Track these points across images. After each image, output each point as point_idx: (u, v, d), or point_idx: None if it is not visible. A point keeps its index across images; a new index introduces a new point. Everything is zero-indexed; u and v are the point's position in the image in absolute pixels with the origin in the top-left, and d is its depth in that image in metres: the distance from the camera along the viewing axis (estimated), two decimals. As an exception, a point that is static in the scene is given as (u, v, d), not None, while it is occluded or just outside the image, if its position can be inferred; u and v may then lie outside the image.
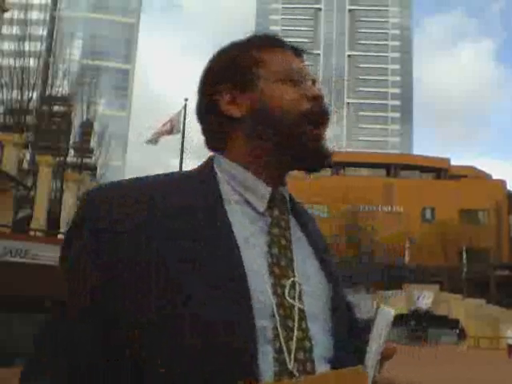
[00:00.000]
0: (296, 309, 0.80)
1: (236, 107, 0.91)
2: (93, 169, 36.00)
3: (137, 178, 0.88)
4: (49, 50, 37.91)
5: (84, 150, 36.02)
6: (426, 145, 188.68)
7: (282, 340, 0.77)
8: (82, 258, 0.80)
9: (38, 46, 33.39)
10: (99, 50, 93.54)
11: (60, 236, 20.81)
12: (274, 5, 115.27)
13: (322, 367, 0.80)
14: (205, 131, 0.97)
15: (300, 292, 0.82)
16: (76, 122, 35.06)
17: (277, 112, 0.88)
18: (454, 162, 62.29)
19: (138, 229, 0.78)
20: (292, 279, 0.82)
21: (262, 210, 0.87)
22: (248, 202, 0.87)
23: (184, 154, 23.74)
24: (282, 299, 0.79)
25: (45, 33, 37.58)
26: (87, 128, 36.54)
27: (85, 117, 35.60)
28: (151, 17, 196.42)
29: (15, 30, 30.88)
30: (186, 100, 23.54)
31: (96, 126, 36.97)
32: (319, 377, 0.77)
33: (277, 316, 0.77)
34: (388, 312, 0.87)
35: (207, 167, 0.91)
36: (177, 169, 24.27)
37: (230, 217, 0.83)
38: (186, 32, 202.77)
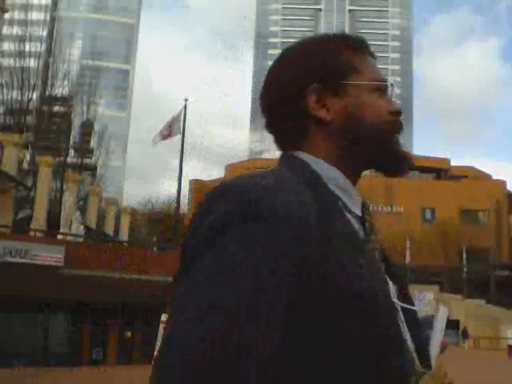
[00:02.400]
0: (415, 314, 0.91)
1: (325, 110, 0.90)
2: (93, 169, 35.98)
3: (256, 176, 0.79)
4: (49, 50, 37.93)
5: (84, 150, 36.01)
6: (426, 145, 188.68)
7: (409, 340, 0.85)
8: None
9: (38, 47, 33.41)
10: (99, 50, 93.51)
11: (60, 236, 20.84)
12: (274, 5, 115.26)
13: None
14: (280, 130, 0.94)
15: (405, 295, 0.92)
16: (76, 122, 35.05)
17: (370, 119, 0.90)
18: (454, 163, 62.33)
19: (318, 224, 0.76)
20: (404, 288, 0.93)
21: (361, 215, 0.89)
22: (345, 206, 0.86)
23: (184, 154, 23.75)
24: (405, 303, 0.88)
25: (45, 33, 37.61)
26: (87, 128, 36.53)
27: (85, 117, 35.59)
28: (151, 16, 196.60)
29: (15, 30, 30.88)
30: (186, 100, 23.56)
31: (96, 126, 36.96)
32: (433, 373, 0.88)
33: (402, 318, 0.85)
34: (445, 309, 0.97)
35: (305, 169, 0.87)
36: (177, 168, 24.28)
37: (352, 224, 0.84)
38: (185, 32, 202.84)
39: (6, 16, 25.29)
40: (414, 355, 0.83)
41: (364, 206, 0.91)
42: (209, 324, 0.64)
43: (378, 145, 0.90)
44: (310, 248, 0.73)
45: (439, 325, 0.93)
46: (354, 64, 0.92)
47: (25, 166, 28.74)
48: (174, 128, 22.58)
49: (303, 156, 0.89)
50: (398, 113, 0.93)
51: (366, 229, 0.88)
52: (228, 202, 0.72)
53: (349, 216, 0.84)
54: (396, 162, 0.93)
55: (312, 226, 0.74)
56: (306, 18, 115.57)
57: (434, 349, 0.90)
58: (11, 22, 29.69)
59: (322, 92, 0.90)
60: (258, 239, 0.70)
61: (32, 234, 19.94)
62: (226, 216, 0.71)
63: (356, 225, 0.85)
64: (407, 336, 0.83)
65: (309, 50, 0.94)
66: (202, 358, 0.63)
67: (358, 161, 0.91)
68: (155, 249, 24.70)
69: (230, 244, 0.69)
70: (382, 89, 0.93)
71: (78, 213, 24.90)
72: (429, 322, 0.93)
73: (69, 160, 32.72)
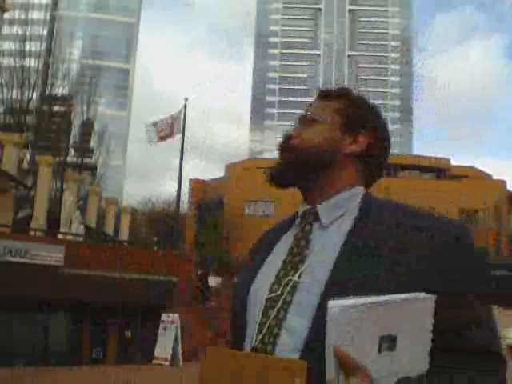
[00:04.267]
0: (281, 301, 0.99)
1: None
2: (93, 168, 35.98)
3: None
4: (49, 49, 37.91)
5: (84, 149, 36.01)
6: (426, 145, 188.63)
7: (257, 323, 1.01)
8: None
9: (38, 46, 33.39)
10: (99, 49, 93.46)
11: (60, 236, 20.84)
12: (274, 4, 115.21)
13: (286, 353, 0.95)
14: None
15: (295, 287, 0.99)
16: (76, 122, 35.05)
17: None
18: (454, 162, 62.33)
19: None
20: (289, 278, 1.00)
21: (297, 224, 1.12)
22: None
23: (184, 154, 23.74)
24: (273, 293, 1.01)
25: (45, 32, 37.60)
26: (87, 128, 36.53)
27: (85, 116, 35.58)
28: (151, 15, 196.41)
29: (15, 29, 30.87)
30: (186, 100, 23.55)
31: (96, 126, 36.95)
32: (259, 356, 0.93)
33: (262, 305, 1.01)
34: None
35: None
36: (177, 168, 24.27)
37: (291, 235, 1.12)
38: (185, 31, 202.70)
39: (6, 15, 25.26)
40: (256, 337, 1.00)
41: (303, 217, 1.12)
42: None
43: None
44: None
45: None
46: None
47: (25, 165, 28.73)
48: (173, 128, 22.56)
49: None
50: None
51: (295, 235, 1.09)
52: None
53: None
54: None
55: None
56: (306, 17, 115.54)
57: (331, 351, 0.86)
58: (11, 22, 29.67)
59: None
60: None
61: (32, 233, 19.94)
62: None
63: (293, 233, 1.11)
64: (258, 319, 1.01)
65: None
66: None
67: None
68: (155, 248, 24.69)
69: None
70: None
71: (78, 212, 24.88)
72: None
73: (69, 159, 32.72)
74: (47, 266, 15.96)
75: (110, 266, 16.99)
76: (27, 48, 31.07)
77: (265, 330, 0.98)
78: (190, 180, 53.44)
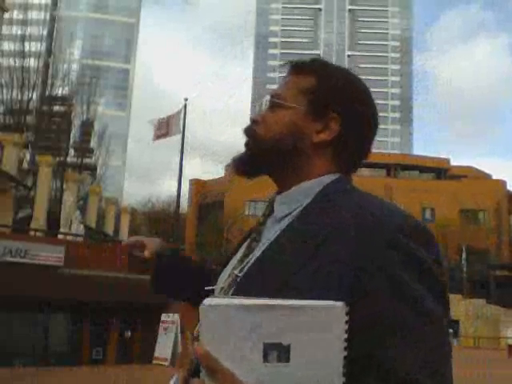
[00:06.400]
0: (222, 290, 0.97)
1: None
2: (93, 169, 36.00)
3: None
4: (49, 49, 37.94)
5: (84, 149, 36.03)
6: (426, 145, 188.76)
7: None
8: None
9: (38, 46, 33.41)
10: (99, 49, 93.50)
11: (60, 236, 20.84)
12: (273, 4, 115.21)
13: None
14: None
15: (235, 280, 0.95)
16: (76, 122, 35.06)
17: None
18: (454, 162, 62.36)
19: None
20: (232, 271, 0.97)
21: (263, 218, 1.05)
22: None
23: (184, 154, 23.74)
24: (220, 284, 1.00)
25: (45, 33, 37.59)
26: (87, 128, 36.55)
27: (85, 116, 35.59)
28: (151, 14, 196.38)
29: (15, 30, 30.88)
30: (186, 100, 23.55)
31: (96, 126, 36.96)
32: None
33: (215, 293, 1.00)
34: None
35: None
36: (177, 168, 24.28)
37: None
38: (186, 30, 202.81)
39: (6, 15, 25.26)
40: None
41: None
42: None
43: None
44: None
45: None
46: None
47: (25, 165, 28.74)
48: (171, 127, 22.56)
49: None
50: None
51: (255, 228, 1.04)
52: None
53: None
54: None
55: None
56: (306, 17, 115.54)
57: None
58: (11, 22, 29.68)
59: None
60: None
61: (32, 233, 19.93)
62: None
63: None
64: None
65: None
66: None
67: None
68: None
69: None
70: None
71: (78, 212, 24.88)
72: None
73: (69, 160, 32.74)
74: (47, 266, 15.95)
75: (110, 266, 16.98)
76: (27, 48, 31.10)
77: None
78: (190, 180, 53.46)
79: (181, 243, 39.88)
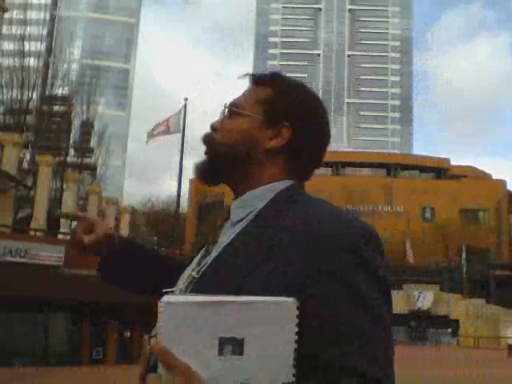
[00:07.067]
0: (181, 292, 0.98)
1: None
2: (93, 168, 36.01)
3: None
4: (49, 49, 37.95)
5: (84, 149, 36.05)
6: (426, 145, 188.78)
7: None
8: None
9: (38, 46, 33.41)
10: (99, 49, 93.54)
11: (60, 236, 20.83)
12: (274, 4, 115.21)
13: None
14: None
15: (192, 281, 0.98)
16: (76, 122, 35.08)
17: None
18: (454, 162, 62.34)
19: None
20: (190, 273, 1.01)
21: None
22: None
23: (184, 153, 23.76)
24: (180, 285, 1.02)
25: (45, 32, 37.60)
26: (87, 127, 36.57)
27: (85, 116, 35.61)
28: (151, 14, 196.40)
29: (15, 29, 30.88)
30: (186, 100, 23.56)
31: (96, 126, 36.98)
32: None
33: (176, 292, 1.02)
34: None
35: None
36: (177, 168, 24.29)
37: None
38: (186, 30, 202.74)
39: (6, 15, 25.26)
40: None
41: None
42: None
43: None
44: None
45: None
46: None
47: (25, 165, 28.74)
48: (168, 126, 22.58)
49: None
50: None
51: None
52: None
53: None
54: None
55: None
56: (306, 17, 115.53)
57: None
58: (11, 22, 29.67)
59: None
60: None
61: (32, 233, 19.93)
62: None
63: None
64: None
65: None
66: None
67: None
68: (156, 248, 24.58)
69: None
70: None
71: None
72: None
73: (69, 159, 32.76)
74: (47, 265, 15.95)
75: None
76: (27, 48, 31.09)
77: None
78: (190, 180, 53.46)
79: (181, 243, 39.87)
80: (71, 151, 34.38)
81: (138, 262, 1.30)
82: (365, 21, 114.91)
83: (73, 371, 14.14)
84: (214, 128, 1.07)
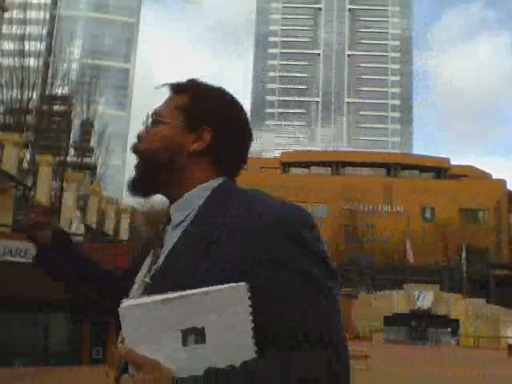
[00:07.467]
0: (135, 296, 1.02)
1: None
2: (93, 168, 35.99)
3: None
4: (49, 49, 37.93)
5: (84, 149, 36.04)
6: (426, 144, 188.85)
7: None
8: None
9: (38, 46, 33.38)
10: (99, 49, 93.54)
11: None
12: (274, 4, 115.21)
13: None
14: None
15: (145, 287, 1.02)
16: (76, 122, 35.06)
17: None
18: (454, 162, 62.35)
19: None
20: (143, 279, 1.04)
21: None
22: None
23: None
24: (134, 291, 1.06)
25: (45, 32, 37.58)
26: (87, 127, 36.55)
27: (85, 116, 35.60)
28: (151, 14, 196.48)
29: (15, 29, 30.84)
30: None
31: (96, 125, 36.97)
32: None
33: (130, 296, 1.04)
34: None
35: None
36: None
37: None
38: (186, 30, 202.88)
39: (6, 15, 25.24)
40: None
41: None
42: None
43: None
44: None
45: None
46: None
47: (25, 165, 28.70)
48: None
49: None
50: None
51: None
52: None
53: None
54: None
55: None
56: (306, 17, 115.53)
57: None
58: (11, 21, 29.64)
59: None
60: None
61: (32, 233, 19.91)
62: None
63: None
64: None
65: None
66: None
67: None
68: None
69: None
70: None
71: (78, 212, 24.87)
72: None
73: (69, 159, 32.73)
74: (47, 265, 15.94)
75: (110, 266, 16.98)
76: (27, 47, 31.06)
77: None
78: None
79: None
80: (71, 151, 34.37)
81: (71, 253, 1.40)
82: (365, 20, 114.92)
83: (73, 371, 14.14)
84: (139, 137, 1.12)
